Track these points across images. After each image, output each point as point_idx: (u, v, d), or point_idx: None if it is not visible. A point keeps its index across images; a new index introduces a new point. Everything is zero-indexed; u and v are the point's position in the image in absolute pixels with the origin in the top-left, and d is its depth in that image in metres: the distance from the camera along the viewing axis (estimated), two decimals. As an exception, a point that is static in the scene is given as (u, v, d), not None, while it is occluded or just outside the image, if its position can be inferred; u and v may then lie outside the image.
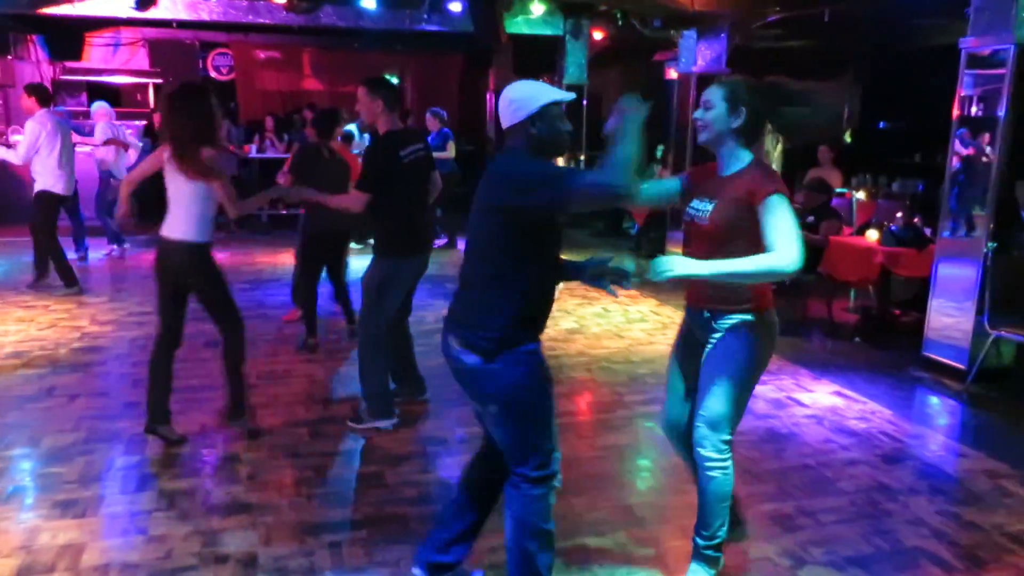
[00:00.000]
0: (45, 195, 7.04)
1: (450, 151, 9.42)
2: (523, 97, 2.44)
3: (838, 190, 8.18)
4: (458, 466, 3.73)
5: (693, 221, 2.70)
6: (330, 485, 3.64)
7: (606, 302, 7.31)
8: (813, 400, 4.88)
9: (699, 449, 2.73)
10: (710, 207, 2.62)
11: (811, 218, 6.58)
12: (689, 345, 2.87)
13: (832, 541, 3.23)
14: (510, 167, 2.42)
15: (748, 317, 2.67)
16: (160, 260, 3.90)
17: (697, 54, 8.50)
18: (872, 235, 6.34)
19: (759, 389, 4.96)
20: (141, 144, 9.50)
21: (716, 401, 2.69)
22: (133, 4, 8.86)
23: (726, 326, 2.70)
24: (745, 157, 2.67)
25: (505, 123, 2.47)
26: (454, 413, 4.52)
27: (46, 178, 7.01)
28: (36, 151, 6.91)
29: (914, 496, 3.65)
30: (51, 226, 7.10)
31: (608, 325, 6.54)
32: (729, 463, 2.74)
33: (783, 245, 2.44)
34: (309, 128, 6.50)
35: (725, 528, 2.82)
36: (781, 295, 6.97)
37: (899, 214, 6.39)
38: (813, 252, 6.38)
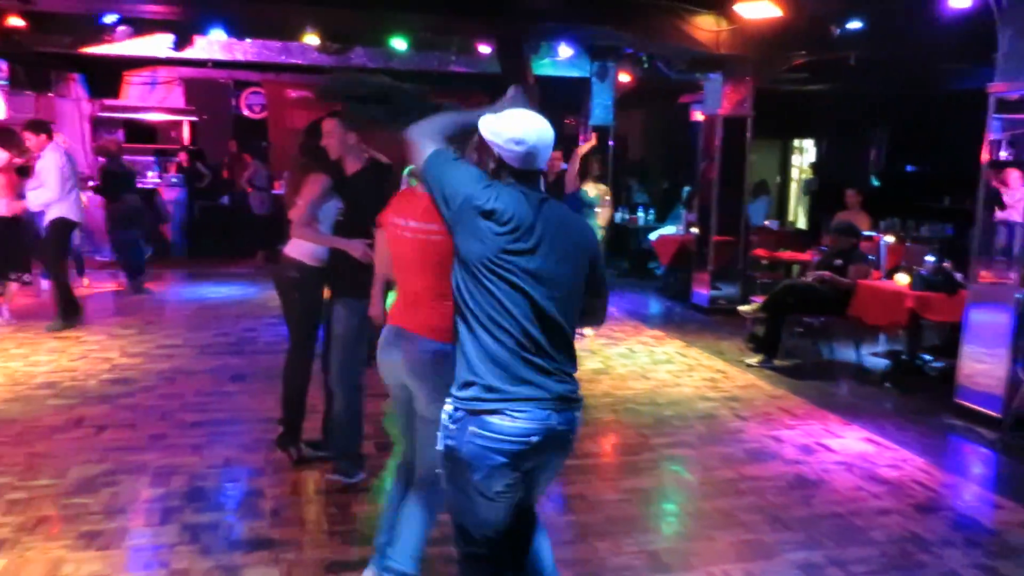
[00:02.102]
0: (60, 223, 7.03)
1: None
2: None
3: (866, 233, 8.11)
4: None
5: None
6: (353, 522, 3.62)
7: (631, 342, 7.27)
8: (842, 446, 4.80)
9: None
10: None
11: (839, 261, 6.54)
12: (403, 368, 2.77)
13: (864, 592, 3.15)
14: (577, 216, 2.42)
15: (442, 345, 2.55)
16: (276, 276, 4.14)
17: (723, 97, 8.54)
18: (902, 279, 6.27)
19: (787, 434, 4.91)
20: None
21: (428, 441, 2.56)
22: (171, 44, 9.10)
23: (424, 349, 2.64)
24: None
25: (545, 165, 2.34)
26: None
27: (60, 206, 6.99)
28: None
29: (948, 548, 3.55)
30: (64, 254, 7.16)
31: (634, 366, 6.50)
32: None
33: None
34: None
35: None
36: (805, 339, 6.91)
37: (929, 258, 6.33)
38: (841, 295, 6.33)
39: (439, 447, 2.23)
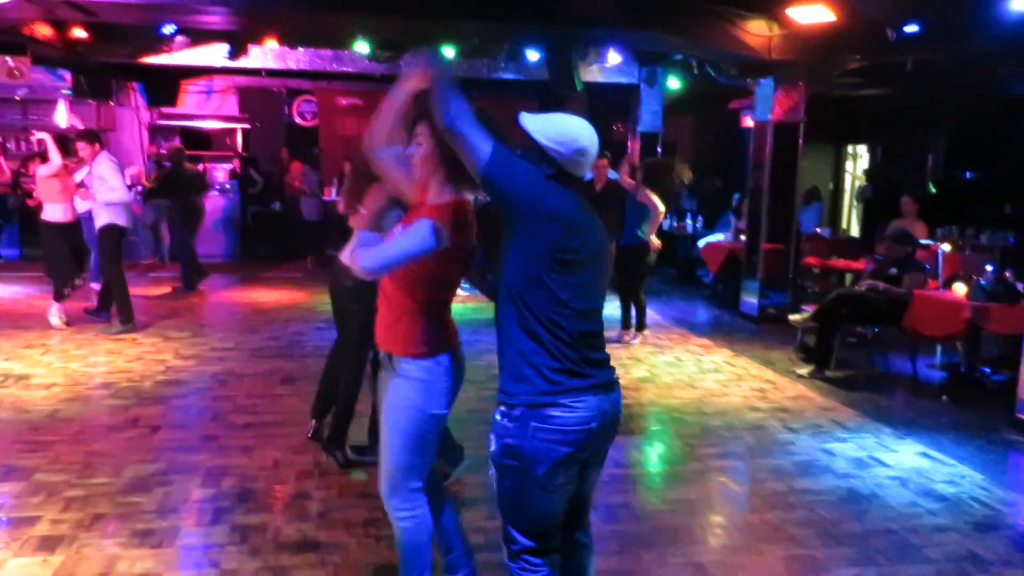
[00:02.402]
0: (112, 229, 7.18)
1: None
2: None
3: (923, 242, 7.91)
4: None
5: None
6: (398, 527, 3.64)
7: (679, 351, 7.19)
8: (897, 460, 4.67)
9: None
10: None
11: (894, 270, 6.38)
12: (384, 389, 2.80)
13: (919, 612, 3.06)
14: None
15: (418, 362, 2.56)
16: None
17: (774, 102, 8.42)
18: (960, 288, 6.09)
19: (838, 447, 4.80)
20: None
21: (391, 452, 2.60)
22: (226, 54, 9.32)
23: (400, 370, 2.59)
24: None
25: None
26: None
27: (111, 212, 7.15)
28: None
29: (1009, 569, 3.43)
30: (119, 259, 7.35)
31: (680, 375, 6.43)
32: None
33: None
34: None
35: None
36: (857, 349, 6.75)
37: (988, 267, 6.14)
38: (896, 306, 6.17)
39: (493, 448, 2.27)
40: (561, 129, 2.28)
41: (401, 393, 2.57)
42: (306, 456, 4.37)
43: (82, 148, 7.11)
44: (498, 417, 2.28)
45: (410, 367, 2.56)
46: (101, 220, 7.18)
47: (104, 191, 7.08)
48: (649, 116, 11.24)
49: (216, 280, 10.02)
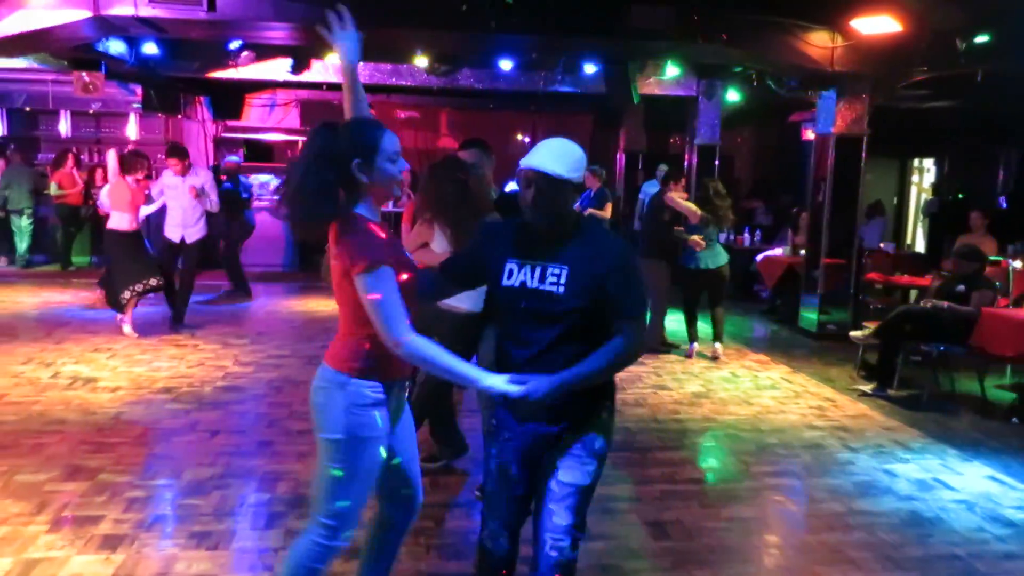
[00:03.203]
0: (206, 240, 8.01)
1: (607, 211, 9.37)
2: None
3: (992, 258, 7.64)
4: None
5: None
6: (448, 536, 3.65)
7: (734, 366, 7.07)
8: (963, 483, 4.50)
9: None
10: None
11: (962, 287, 6.17)
12: None
13: (985, 642, 2.93)
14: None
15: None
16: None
17: (836, 115, 8.25)
18: (1032, 307, 5.87)
19: (900, 468, 4.65)
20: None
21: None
22: (289, 68, 9.55)
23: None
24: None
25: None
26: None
27: (204, 224, 7.92)
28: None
29: (1083, 600, 3.27)
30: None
31: (736, 391, 6.31)
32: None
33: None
34: None
35: None
36: (922, 368, 6.53)
37: (1063, 286, 5.90)
38: (964, 324, 5.97)
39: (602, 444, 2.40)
40: (576, 154, 2.37)
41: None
42: (359, 463, 4.41)
43: (173, 164, 7.64)
44: (605, 415, 2.42)
45: None
46: (198, 232, 7.82)
47: (204, 203, 7.74)
48: (706, 129, 11.10)
49: (274, 289, 10.23)
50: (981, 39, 6.88)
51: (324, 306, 9.31)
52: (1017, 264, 7.77)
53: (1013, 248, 8.59)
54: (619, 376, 5.64)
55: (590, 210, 8.84)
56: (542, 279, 2.30)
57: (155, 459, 4.44)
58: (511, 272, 2.35)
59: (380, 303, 2.18)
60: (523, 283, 2.32)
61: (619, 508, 4.03)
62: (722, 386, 6.43)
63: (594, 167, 9.83)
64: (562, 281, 2.28)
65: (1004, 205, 11.67)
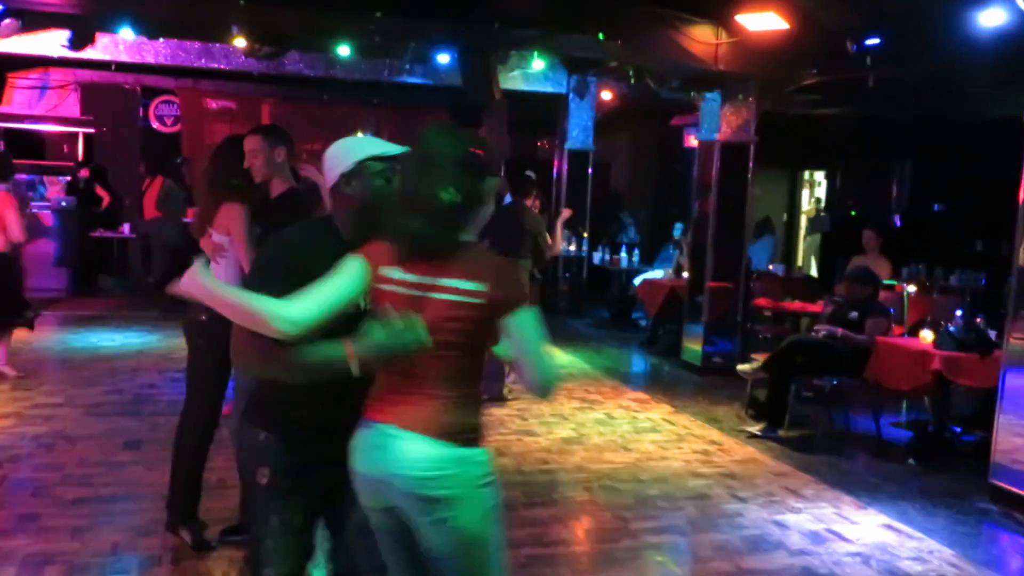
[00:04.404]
0: None
1: None
2: (338, 154, 2.51)
3: (886, 282, 8.26)
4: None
5: None
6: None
7: (611, 406, 7.27)
8: (858, 534, 4.81)
9: None
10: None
11: (855, 314, 6.63)
12: None
13: None
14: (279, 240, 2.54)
15: None
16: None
17: (721, 120, 8.71)
18: (927, 336, 6.37)
19: (792, 519, 4.92)
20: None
21: None
22: (66, 42, 9.08)
23: None
24: None
25: (327, 184, 2.55)
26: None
27: None
28: None
29: (982, 657, 3.56)
30: None
31: (613, 435, 6.49)
32: None
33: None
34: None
35: None
36: (814, 404, 6.94)
37: (959, 312, 6.44)
38: (857, 355, 6.41)
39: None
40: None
41: None
42: (154, 539, 4.21)
43: None
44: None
45: None
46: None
47: None
48: (579, 132, 11.47)
49: (46, 319, 9.62)
50: (872, 41, 7.47)
51: (111, 341, 8.87)
52: (912, 289, 8.43)
53: (908, 271, 9.32)
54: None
55: None
56: None
57: None
58: None
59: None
60: None
61: (477, 579, 4.03)
62: (596, 430, 6.59)
63: None
64: None
65: (899, 223, 12.65)
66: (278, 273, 2.35)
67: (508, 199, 7.73)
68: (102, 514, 4.47)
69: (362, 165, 2.46)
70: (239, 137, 4.05)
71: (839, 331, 6.55)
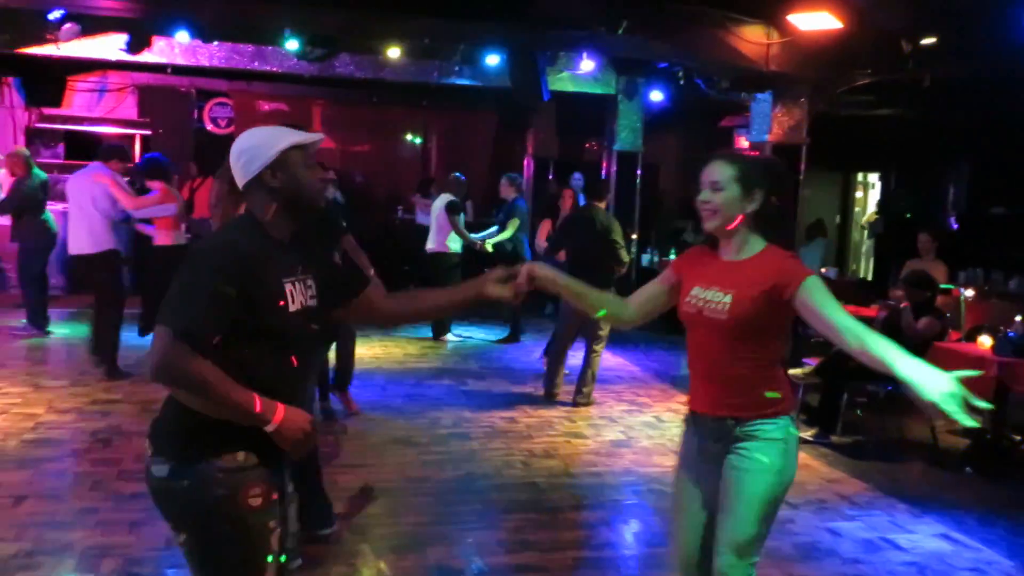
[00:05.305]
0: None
1: (509, 228, 9.51)
2: (256, 144, 2.39)
3: (943, 286, 8.11)
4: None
5: (702, 314, 2.77)
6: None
7: (660, 409, 7.23)
8: (913, 543, 4.73)
9: None
10: (727, 299, 2.71)
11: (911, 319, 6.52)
12: (703, 460, 2.87)
13: None
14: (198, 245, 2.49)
15: (777, 422, 2.76)
16: None
17: (772, 121, 8.63)
18: (985, 342, 6.25)
19: (845, 527, 4.85)
20: None
21: (746, 523, 2.72)
22: (124, 46, 9.27)
23: (753, 434, 2.74)
24: (758, 242, 2.80)
25: (241, 181, 2.41)
26: (469, 538, 4.44)
27: None
28: None
29: (1042, 671, 3.48)
30: None
31: (661, 438, 6.45)
32: None
33: (855, 324, 2.64)
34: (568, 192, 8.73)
35: None
36: (872, 412, 6.84)
37: (1018, 318, 6.32)
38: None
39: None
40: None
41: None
42: (207, 534, 4.28)
43: None
44: None
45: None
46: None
47: None
48: (627, 133, 11.41)
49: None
50: (928, 41, 7.34)
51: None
52: (969, 293, 8.27)
53: (965, 275, 9.15)
54: (527, 423, 5.76)
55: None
56: None
57: (-59, 533, 4.18)
58: None
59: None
60: None
61: (525, 581, 4.04)
62: (645, 432, 6.56)
63: (512, 175, 9.96)
64: None
65: (955, 227, 12.41)
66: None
67: (582, 201, 7.75)
68: (157, 509, 4.55)
69: (285, 155, 2.35)
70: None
71: (904, 304, 6.44)
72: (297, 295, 2.32)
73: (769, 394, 2.76)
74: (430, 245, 9.63)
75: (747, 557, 2.72)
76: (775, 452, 2.73)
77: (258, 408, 2.18)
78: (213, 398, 2.14)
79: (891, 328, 6.60)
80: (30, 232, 8.78)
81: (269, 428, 2.19)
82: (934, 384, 2.33)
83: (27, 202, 8.77)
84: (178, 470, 2.25)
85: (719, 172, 2.75)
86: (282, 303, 2.26)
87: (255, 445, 2.25)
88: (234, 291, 2.14)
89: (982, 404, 2.29)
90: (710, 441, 2.83)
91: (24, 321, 8.88)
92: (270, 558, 2.30)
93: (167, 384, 2.18)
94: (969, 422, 2.30)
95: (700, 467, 2.87)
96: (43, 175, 9.18)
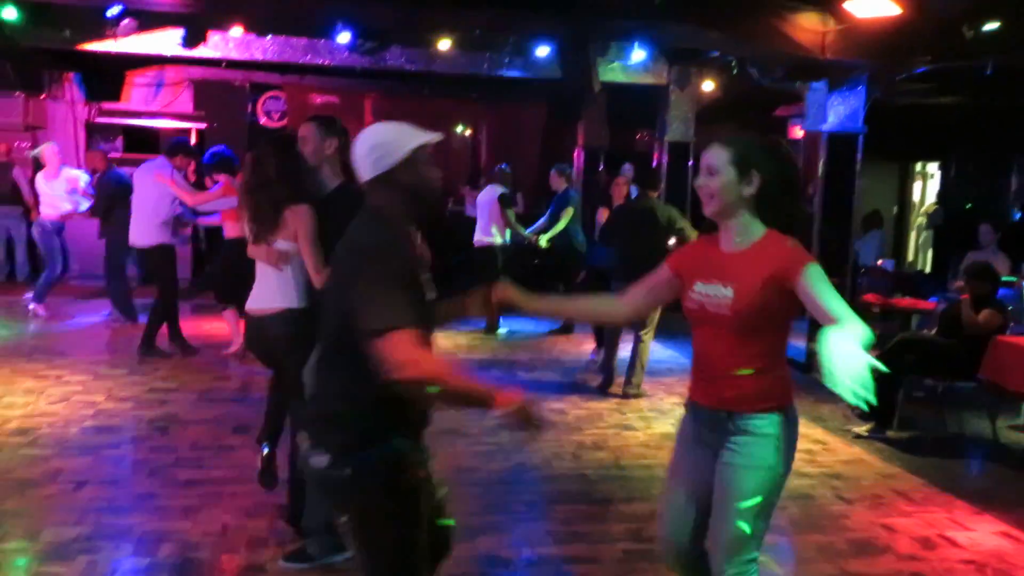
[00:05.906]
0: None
1: (563, 219, 9.54)
2: (388, 141, 2.49)
3: (1005, 278, 7.93)
4: (523, 596, 3.65)
5: (705, 309, 2.74)
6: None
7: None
8: (972, 540, 4.63)
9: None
10: (728, 293, 2.68)
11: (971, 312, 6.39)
12: (698, 451, 2.85)
13: None
14: (364, 243, 2.46)
15: (772, 417, 2.71)
16: None
17: (828, 109, 8.48)
18: (1048, 335, 6.10)
19: (901, 523, 4.77)
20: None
21: (737, 520, 2.68)
22: (181, 41, 9.41)
23: (747, 428, 2.70)
24: (759, 228, 2.76)
25: (367, 175, 2.50)
26: (519, 529, 4.45)
27: None
28: None
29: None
30: None
31: (712, 432, 6.40)
32: None
33: (851, 315, 2.49)
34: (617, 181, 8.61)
35: None
36: (930, 405, 6.71)
37: (1083, 311, 6.16)
38: (972, 354, 6.16)
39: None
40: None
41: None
42: (260, 520, 4.35)
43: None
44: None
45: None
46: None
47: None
48: (679, 124, 11.30)
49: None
50: (991, 26, 7.15)
51: (221, 329, 9.16)
52: (1032, 285, 8.07)
53: (1028, 266, 8.93)
54: (576, 415, 5.75)
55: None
56: None
57: (5, 516, 4.29)
58: None
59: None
60: None
61: (575, 571, 4.04)
62: (696, 426, 6.51)
63: (561, 166, 9.98)
64: None
65: (1017, 217, 12.12)
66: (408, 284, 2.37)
67: (635, 192, 7.72)
68: (212, 495, 4.64)
69: (415, 153, 2.47)
70: (284, 138, 4.12)
71: (963, 296, 6.31)
72: (428, 287, 2.49)
73: (766, 389, 2.74)
74: (477, 236, 9.66)
75: (741, 554, 2.68)
76: (767, 448, 2.69)
77: (490, 392, 2.34)
78: (452, 385, 2.31)
79: (951, 321, 6.47)
80: (118, 225, 9.02)
81: (497, 412, 2.33)
82: (840, 360, 2.23)
83: (112, 199, 9.10)
84: (338, 460, 2.39)
85: (715, 156, 2.72)
86: (426, 295, 2.45)
87: (407, 431, 2.45)
88: (412, 288, 2.34)
89: (868, 397, 2.20)
90: (706, 430, 2.82)
91: (110, 312, 9.40)
92: (422, 535, 2.46)
93: (414, 382, 2.26)
94: (854, 400, 2.23)
95: (696, 450, 2.86)
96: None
